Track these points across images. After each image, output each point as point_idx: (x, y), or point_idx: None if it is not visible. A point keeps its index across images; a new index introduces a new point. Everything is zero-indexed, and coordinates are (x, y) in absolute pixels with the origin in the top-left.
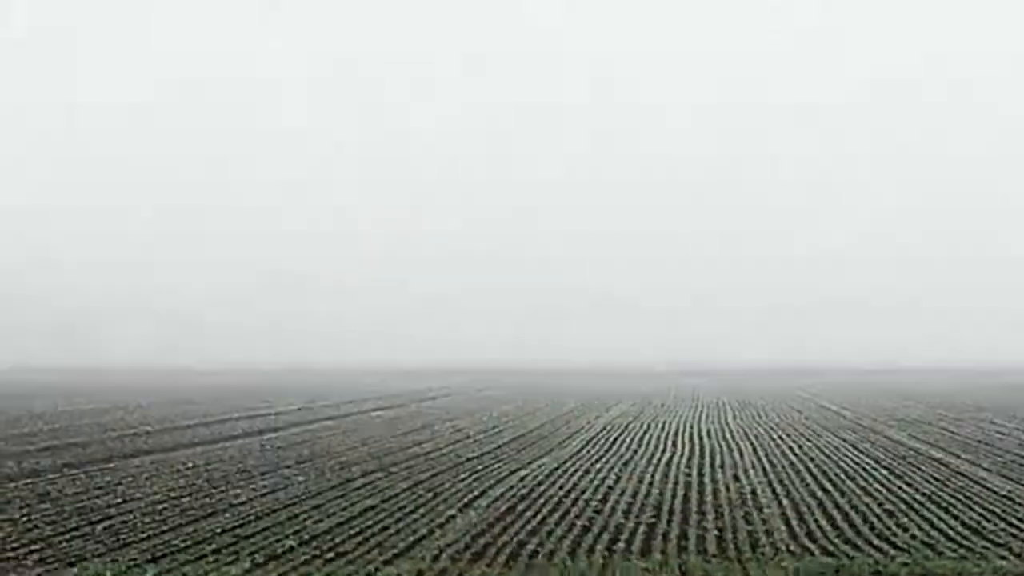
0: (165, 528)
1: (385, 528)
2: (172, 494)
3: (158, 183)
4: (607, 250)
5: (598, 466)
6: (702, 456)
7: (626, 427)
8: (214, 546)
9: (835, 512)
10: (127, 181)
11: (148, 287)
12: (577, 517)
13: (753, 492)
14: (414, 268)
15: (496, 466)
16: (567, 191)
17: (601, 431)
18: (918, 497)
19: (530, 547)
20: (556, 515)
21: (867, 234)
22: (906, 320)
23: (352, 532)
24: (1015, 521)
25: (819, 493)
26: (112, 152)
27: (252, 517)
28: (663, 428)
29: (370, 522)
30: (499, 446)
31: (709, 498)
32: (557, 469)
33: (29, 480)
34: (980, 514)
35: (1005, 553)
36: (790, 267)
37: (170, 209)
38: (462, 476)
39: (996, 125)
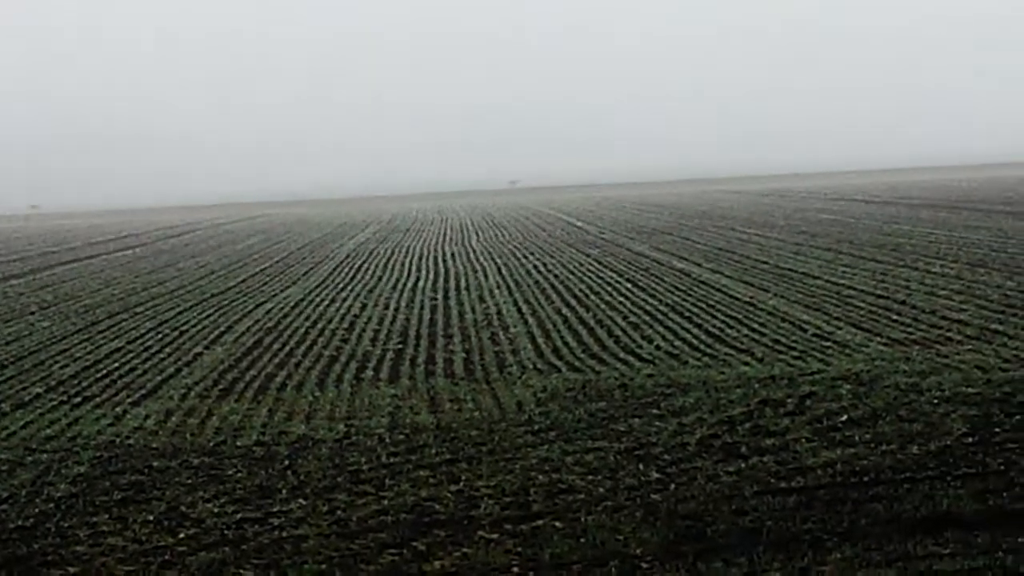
0: None
1: (132, 369)
2: None
3: None
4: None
5: (344, 295)
6: (447, 279)
7: (371, 253)
8: None
9: (580, 328)
10: None
11: None
12: (324, 347)
13: (499, 312)
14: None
15: (242, 300)
16: None
17: (346, 259)
18: (662, 308)
19: (278, 380)
20: (303, 347)
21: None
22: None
23: (99, 375)
24: (756, 327)
25: (564, 310)
26: None
27: None
28: (408, 253)
29: (116, 364)
30: (244, 279)
31: (455, 321)
32: (303, 300)
33: None
34: (723, 322)
35: (748, 359)
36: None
37: None
38: (208, 312)
39: None
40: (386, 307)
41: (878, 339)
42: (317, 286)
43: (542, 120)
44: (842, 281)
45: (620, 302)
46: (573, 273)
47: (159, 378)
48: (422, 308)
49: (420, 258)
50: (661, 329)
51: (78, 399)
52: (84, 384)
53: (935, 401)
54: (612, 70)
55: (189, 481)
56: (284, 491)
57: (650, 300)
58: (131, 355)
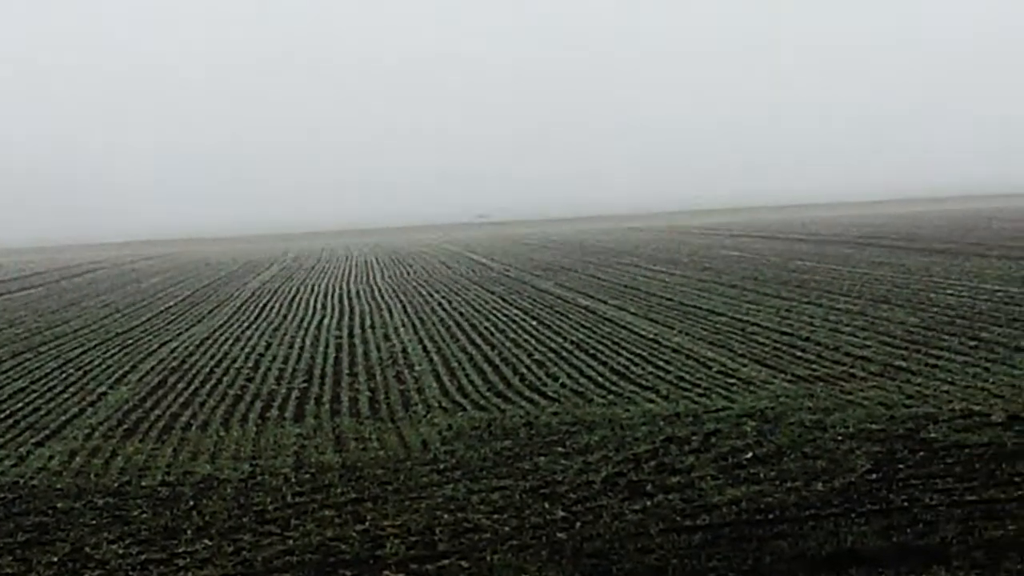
0: None
1: (35, 409)
2: None
3: None
4: None
5: (248, 333)
6: (352, 317)
7: (276, 291)
8: None
9: (486, 366)
10: None
11: None
12: (229, 387)
13: (404, 351)
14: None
15: (146, 339)
16: None
17: (251, 297)
18: (567, 345)
19: (183, 420)
20: (208, 386)
21: None
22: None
23: (1, 416)
24: (661, 364)
25: (469, 348)
26: None
27: None
28: (313, 291)
29: (20, 404)
30: (148, 318)
31: (360, 360)
32: (208, 339)
33: None
34: (628, 359)
35: (652, 396)
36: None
37: None
38: (112, 351)
39: None
40: (291, 346)
41: (782, 376)
42: (222, 324)
43: (515, 152)
44: (746, 318)
45: (525, 340)
46: (478, 311)
47: (63, 418)
48: (327, 347)
49: (325, 296)
50: (566, 367)
51: None
52: None
53: (839, 438)
54: (600, 99)
55: (93, 522)
56: (189, 531)
57: (555, 337)
58: (34, 395)
